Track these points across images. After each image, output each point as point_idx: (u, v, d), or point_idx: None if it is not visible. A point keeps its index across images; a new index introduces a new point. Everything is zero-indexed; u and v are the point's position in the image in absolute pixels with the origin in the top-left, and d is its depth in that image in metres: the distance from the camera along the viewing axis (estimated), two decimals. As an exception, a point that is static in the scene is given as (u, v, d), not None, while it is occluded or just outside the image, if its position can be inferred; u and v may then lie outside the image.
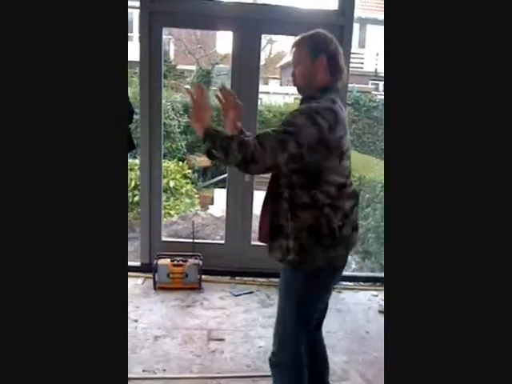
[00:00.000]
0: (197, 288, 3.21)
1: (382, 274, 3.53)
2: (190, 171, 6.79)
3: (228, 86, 3.90)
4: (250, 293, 3.25)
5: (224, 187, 4.24)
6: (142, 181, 3.44)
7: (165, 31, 3.33)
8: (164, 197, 5.02)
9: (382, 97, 8.98)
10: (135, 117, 2.62)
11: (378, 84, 12.61)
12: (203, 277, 3.26)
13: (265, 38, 13.09)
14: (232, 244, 3.51)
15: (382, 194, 4.48)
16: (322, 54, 1.55)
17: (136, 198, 5.25)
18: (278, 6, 3.30)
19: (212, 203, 6.68)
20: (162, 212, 3.64)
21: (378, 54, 13.08)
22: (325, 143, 1.45)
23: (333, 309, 2.98)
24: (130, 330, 2.60)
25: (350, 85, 3.40)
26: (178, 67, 13.20)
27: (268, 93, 11.37)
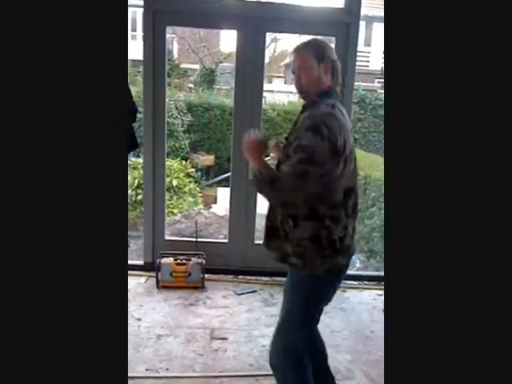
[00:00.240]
0: (200, 287, 3.21)
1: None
2: (193, 170, 6.79)
3: (232, 84, 3.88)
4: (254, 292, 3.24)
5: (227, 186, 4.23)
6: (145, 179, 3.43)
7: (168, 30, 3.32)
8: (167, 196, 5.02)
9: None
10: (139, 115, 2.61)
11: (384, 82, 12.57)
12: (206, 276, 3.25)
13: (269, 37, 13.07)
14: (235, 243, 3.50)
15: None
16: (327, 58, 1.58)
17: (139, 197, 5.26)
18: (283, 4, 3.28)
19: (215, 202, 6.69)
20: (166, 211, 3.64)
21: (384, 53, 13.02)
22: (334, 150, 1.45)
23: (337, 308, 2.97)
24: (133, 328, 2.61)
25: (355, 83, 3.37)
26: (182, 66, 13.22)
27: (272, 91, 11.38)
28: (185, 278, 3.20)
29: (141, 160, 5.01)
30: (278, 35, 14.43)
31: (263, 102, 3.57)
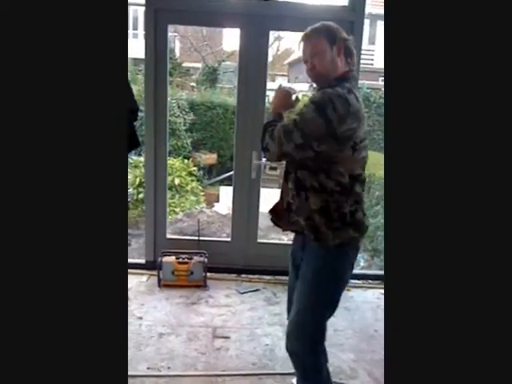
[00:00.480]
0: (202, 286, 3.20)
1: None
2: (195, 169, 6.78)
3: (235, 83, 3.88)
4: (256, 290, 3.23)
5: (230, 185, 4.23)
6: (147, 178, 3.42)
7: (170, 28, 3.30)
8: (169, 194, 5.01)
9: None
10: (140, 114, 2.60)
11: (388, 81, 12.56)
12: (208, 274, 3.24)
13: (272, 35, 13.06)
14: (238, 242, 3.49)
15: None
16: (339, 40, 1.56)
17: (141, 196, 5.26)
18: (286, 2, 3.25)
19: (218, 201, 6.68)
20: (167, 209, 3.63)
21: (388, 51, 13.00)
22: (333, 135, 1.46)
23: (341, 307, 2.91)
24: (134, 327, 2.60)
25: (360, 81, 3.35)
26: (184, 65, 13.21)
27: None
28: (187, 276, 3.19)
29: (142, 159, 5.01)
30: (282, 33, 14.42)
31: (266, 100, 3.55)
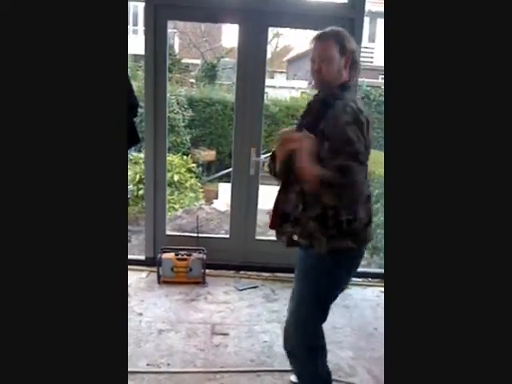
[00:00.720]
0: (201, 282, 3.20)
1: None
2: (194, 165, 6.78)
3: (233, 79, 3.87)
4: (255, 287, 3.23)
5: (229, 181, 4.23)
6: (146, 175, 3.42)
7: (170, 24, 3.30)
8: (168, 191, 5.01)
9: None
10: (140, 110, 2.59)
11: (388, 79, 12.56)
12: (207, 271, 3.24)
13: (271, 32, 13.02)
14: (236, 238, 3.50)
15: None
16: (348, 52, 1.58)
17: (141, 192, 5.26)
18: (286, -1, 3.25)
19: (216, 197, 6.68)
20: (167, 206, 3.63)
21: (388, 49, 13.00)
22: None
23: (340, 305, 2.96)
24: (134, 323, 2.60)
25: (360, 79, 3.36)
26: (183, 61, 13.17)
27: (274, 87, 11.32)
28: (186, 273, 3.19)
29: (142, 155, 5.01)
30: (281, 30, 14.35)
31: (265, 97, 3.55)
